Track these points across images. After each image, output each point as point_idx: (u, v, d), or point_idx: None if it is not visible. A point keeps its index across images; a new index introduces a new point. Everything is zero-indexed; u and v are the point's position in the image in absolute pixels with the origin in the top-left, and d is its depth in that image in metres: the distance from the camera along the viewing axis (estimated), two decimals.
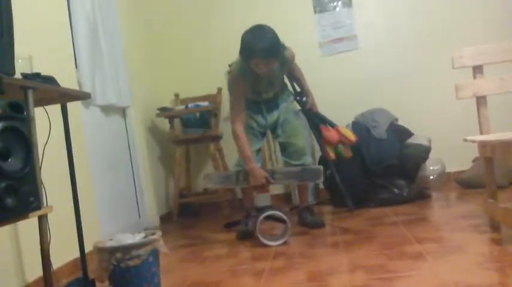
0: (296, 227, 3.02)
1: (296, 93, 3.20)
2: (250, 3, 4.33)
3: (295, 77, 3.17)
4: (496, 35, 3.86)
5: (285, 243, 2.63)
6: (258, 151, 3.05)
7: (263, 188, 2.84)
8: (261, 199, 3.97)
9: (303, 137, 3.08)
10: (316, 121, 3.18)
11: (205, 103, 4.04)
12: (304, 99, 3.14)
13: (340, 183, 3.28)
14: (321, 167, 2.89)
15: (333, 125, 3.17)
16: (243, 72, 2.85)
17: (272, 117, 3.07)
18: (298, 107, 3.19)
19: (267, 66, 2.76)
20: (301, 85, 3.18)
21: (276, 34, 2.73)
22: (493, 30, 3.93)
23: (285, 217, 2.68)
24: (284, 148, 3.06)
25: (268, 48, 2.67)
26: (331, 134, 3.11)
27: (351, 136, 3.14)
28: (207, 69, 4.35)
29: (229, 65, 3.25)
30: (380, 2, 4.20)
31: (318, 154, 3.89)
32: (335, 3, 4.25)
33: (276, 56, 2.75)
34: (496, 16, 3.98)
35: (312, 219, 3.05)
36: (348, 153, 3.17)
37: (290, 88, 3.23)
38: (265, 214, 2.70)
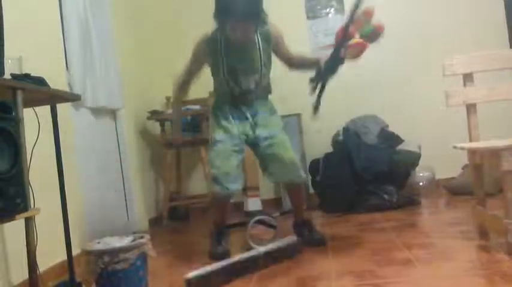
0: (286, 232, 3.00)
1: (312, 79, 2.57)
2: None
3: (298, 59, 2.65)
4: (486, 44, 3.90)
5: None
6: (239, 165, 2.58)
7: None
8: (252, 204, 3.97)
9: (291, 150, 2.60)
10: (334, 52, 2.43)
11: (196, 107, 4.03)
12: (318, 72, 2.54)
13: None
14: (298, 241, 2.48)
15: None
16: (214, 37, 2.52)
17: (255, 121, 2.63)
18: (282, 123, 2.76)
19: (245, 33, 2.39)
20: (307, 62, 2.63)
21: None
22: (484, 38, 3.97)
23: (274, 223, 2.67)
24: (270, 161, 2.59)
25: (248, 9, 2.30)
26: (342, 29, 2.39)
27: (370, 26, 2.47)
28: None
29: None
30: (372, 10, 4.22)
31: (309, 159, 3.90)
32: (327, 10, 4.27)
33: (257, 19, 2.37)
34: (486, 25, 4.03)
35: (311, 236, 2.64)
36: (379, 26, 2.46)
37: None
38: (256, 219, 2.69)
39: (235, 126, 2.60)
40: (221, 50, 2.52)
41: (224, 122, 2.61)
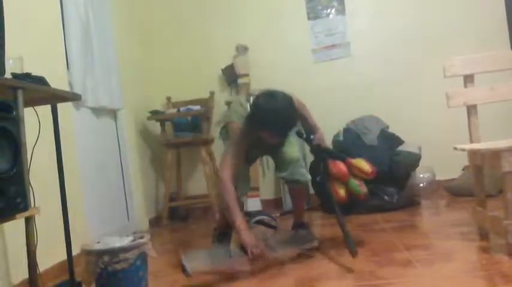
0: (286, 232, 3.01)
1: (303, 133, 2.74)
2: (244, 8, 4.34)
3: (302, 116, 2.71)
4: (487, 45, 3.90)
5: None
6: (247, 174, 2.66)
7: (259, 257, 2.21)
8: (252, 204, 3.97)
9: (297, 149, 2.63)
10: (324, 156, 2.66)
11: (197, 107, 4.03)
12: (312, 136, 2.70)
13: (343, 228, 2.42)
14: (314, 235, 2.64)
15: (343, 159, 2.61)
16: (247, 133, 2.47)
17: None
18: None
19: (280, 139, 2.47)
20: (307, 122, 2.75)
21: (292, 105, 2.35)
22: (484, 39, 3.97)
23: (275, 223, 2.67)
24: (277, 162, 2.67)
25: (285, 129, 2.37)
26: (338, 167, 2.54)
27: (366, 168, 2.55)
28: (200, 73, 4.35)
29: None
30: (373, 10, 4.23)
31: (309, 159, 3.90)
32: (328, 11, 4.27)
33: (291, 130, 2.46)
34: (486, 26, 4.02)
35: (307, 237, 2.67)
36: (363, 189, 2.56)
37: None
38: (256, 219, 2.69)
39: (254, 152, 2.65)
40: (254, 143, 2.51)
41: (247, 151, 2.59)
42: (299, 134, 2.67)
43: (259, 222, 2.72)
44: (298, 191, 2.75)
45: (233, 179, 2.39)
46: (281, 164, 2.59)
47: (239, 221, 2.26)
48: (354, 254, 2.22)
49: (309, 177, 2.66)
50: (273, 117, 2.26)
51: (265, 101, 2.30)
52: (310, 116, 2.75)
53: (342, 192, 2.53)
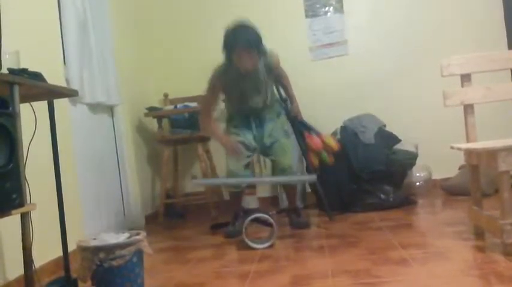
0: (282, 230, 3.01)
1: (281, 100, 3.27)
2: (242, 5, 4.33)
3: (282, 83, 3.22)
4: (485, 45, 3.91)
5: (271, 246, 2.62)
6: (248, 165, 3.06)
7: (237, 152, 2.95)
8: (249, 202, 3.97)
9: (290, 156, 3.10)
10: (301, 129, 3.26)
11: (194, 104, 4.02)
12: (289, 106, 3.22)
13: (320, 190, 3.35)
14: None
15: (317, 133, 3.24)
16: (224, 69, 2.95)
17: (263, 132, 3.10)
18: (287, 126, 3.25)
19: (250, 60, 2.84)
20: (286, 91, 3.23)
21: (258, 30, 2.86)
22: (482, 39, 3.98)
23: (271, 220, 2.68)
24: (273, 167, 3.15)
25: (250, 39, 2.79)
26: (315, 142, 3.15)
27: (333, 144, 3.18)
28: (197, 70, 4.33)
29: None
30: (371, 9, 4.23)
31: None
32: (326, 9, 4.27)
33: (258, 47, 2.84)
34: (484, 26, 4.03)
35: (297, 220, 3.14)
36: (331, 159, 3.19)
37: (277, 95, 3.27)
38: (252, 217, 2.70)
39: (244, 135, 3.06)
40: (232, 80, 2.96)
41: (234, 130, 3.09)
42: (283, 100, 3.24)
43: (255, 220, 2.73)
44: (290, 190, 3.24)
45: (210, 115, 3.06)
46: (275, 171, 3.10)
47: (219, 135, 3.05)
48: (330, 217, 3.21)
49: (295, 169, 3.30)
50: (237, 30, 2.82)
51: (230, 25, 2.86)
52: (291, 86, 3.23)
53: (315, 160, 3.19)
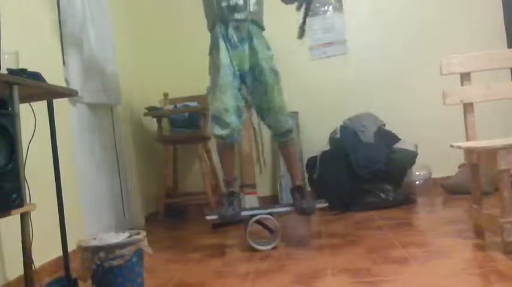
0: (282, 230, 3.01)
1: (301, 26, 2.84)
2: None
3: None
4: (484, 43, 3.90)
5: (274, 248, 2.57)
6: (239, 107, 2.68)
7: None
8: (249, 201, 3.96)
9: (280, 94, 2.71)
10: None
11: (194, 103, 4.02)
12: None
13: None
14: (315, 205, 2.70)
15: None
16: None
17: (250, 48, 2.68)
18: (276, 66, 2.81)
19: None
20: None
21: None
22: (481, 38, 3.97)
23: (274, 226, 2.62)
24: (261, 113, 2.76)
25: None
26: None
27: None
28: (197, 69, 4.31)
29: None
30: (371, 8, 4.22)
31: (306, 156, 3.90)
32: (326, 8, 4.27)
33: None
34: (484, 24, 4.03)
35: (301, 203, 2.68)
36: None
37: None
38: (256, 218, 2.63)
39: (229, 57, 2.67)
40: None
41: (220, 53, 2.67)
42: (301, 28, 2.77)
43: (258, 221, 2.68)
44: (287, 147, 2.81)
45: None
46: (264, 111, 2.71)
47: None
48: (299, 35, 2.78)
49: (292, 123, 2.76)
50: None
51: None
52: None
53: None
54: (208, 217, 2.69)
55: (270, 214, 2.68)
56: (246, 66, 2.69)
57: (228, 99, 2.62)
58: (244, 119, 2.79)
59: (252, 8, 2.69)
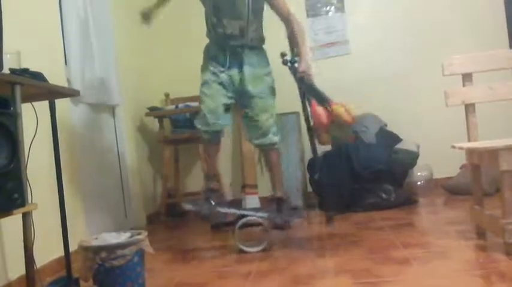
0: (284, 231, 3.01)
1: (291, 61, 2.62)
2: None
3: (293, 32, 2.58)
4: (486, 44, 3.90)
5: (264, 249, 2.53)
6: (228, 107, 2.66)
7: None
8: (250, 202, 3.96)
9: (272, 120, 2.69)
10: (307, 96, 2.50)
11: (195, 104, 4.02)
12: (296, 64, 2.48)
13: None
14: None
15: (328, 102, 2.42)
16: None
17: (243, 73, 2.65)
18: (274, 84, 2.77)
19: None
20: (295, 43, 2.57)
21: None
22: (483, 38, 3.97)
23: (265, 228, 2.59)
24: (247, 125, 2.73)
25: None
26: (318, 114, 2.38)
27: (345, 115, 2.35)
28: (198, 69, 4.32)
29: None
30: (372, 8, 4.22)
31: (307, 157, 3.90)
32: (328, 8, 4.27)
33: None
34: (486, 25, 4.02)
35: (274, 217, 2.66)
36: (344, 135, 2.44)
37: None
38: (242, 222, 2.58)
39: (222, 73, 2.66)
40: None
41: (212, 67, 2.67)
42: (282, 55, 2.62)
43: (247, 225, 2.63)
44: (269, 156, 2.79)
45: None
46: (251, 129, 2.70)
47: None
48: (329, 218, 2.64)
49: (276, 139, 2.71)
50: None
51: None
52: (302, 36, 2.61)
53: (325, 136, 2.44)
54: (185, 206, 2.66)
55: (244, 216, 2.61)
56: (238, 85, 2.69)
57: (216, 100, 2.63)
58: (231, 119, 2.76)
59: (250, 35, 2.65)
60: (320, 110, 2.37)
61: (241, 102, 2.71)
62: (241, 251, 2.56)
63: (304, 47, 2.56)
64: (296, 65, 2.50)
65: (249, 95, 2.65)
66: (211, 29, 2.67)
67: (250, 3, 2.54)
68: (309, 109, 2.53)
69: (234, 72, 2.67)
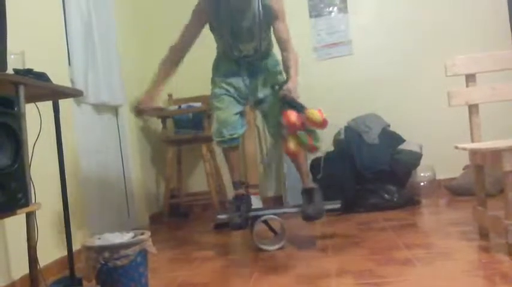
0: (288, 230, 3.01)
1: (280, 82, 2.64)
2: None
3: (285, 56, 2.57)
4: (489, 44, 3.89)
5: (281, 248, 2.56)
6: (240, 114, 2.70)
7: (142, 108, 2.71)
8: (252, 202, 3.96)
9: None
10: (285, 107, 2.39)
11: (198, 104, 4.03)
12: (284, 87, 2.43)
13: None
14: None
15: (301, 109, 2.32)
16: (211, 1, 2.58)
17: (255, 82, 2.70)
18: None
19: None
20: (287, 67, 2.55)
21: None
22: (487, 39, 3.97)
23: (282, 225, 2.61)
24: (267, 120, 2.75)
25: None
26: (289, 118, 2.25)
27: (317, 117, 2.23)
28: (201, 70, 4.32)
29: None
30: (375, 9, 4.22)
31: (310, 156, 3.90)
32: (331, 9, 4.27)
33: None
34: (489, 25, 4.02)
35: (306, 208, 2.57)
36: (310, 141, 2.26)
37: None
38: (263, 218, 2.62)
39: (233, 83, 2.71)
40: (221, 10, 2.56)
41: (223, 83, 2.73)
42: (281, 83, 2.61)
43: (265, 222, 2.68)
44: (299, 160, 2.76)
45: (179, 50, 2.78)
46: (269, 123, 2.73)
47: (154, 84, 2.79)
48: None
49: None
50: None
51: None
52: (297, 68, 2.56)
53: (291, 144, 2.28)
54: (220, 216, 2.71)
55: (276, 214, 2.66)
56: (250, 95, 2.74)
57: (228, 111, 2.67)
58: (246, 122, 2.80)
59: (263, 48, 2.69)
60: (291, 111, 2.29)
61: (254, 102, 2.76)
62: (260, 250, 2.56)
63: (295, 75, 2.53)
64: (283, 87, 2.46)
65: (262, 97, 2.71)
66: (228, 50, 2.72)
67: (261, 24, 2.59)
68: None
69: (246, 80, 2.74)
